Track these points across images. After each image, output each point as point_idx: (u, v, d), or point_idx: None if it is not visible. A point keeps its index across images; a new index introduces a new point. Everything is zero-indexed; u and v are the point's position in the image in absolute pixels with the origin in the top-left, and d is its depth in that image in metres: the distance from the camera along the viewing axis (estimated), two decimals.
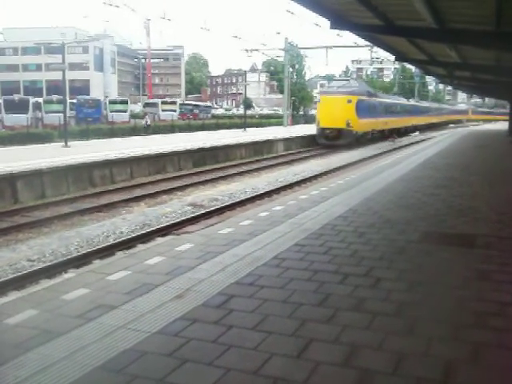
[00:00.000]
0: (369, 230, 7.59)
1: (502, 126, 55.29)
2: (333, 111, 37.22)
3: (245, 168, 24.30)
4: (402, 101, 57.64)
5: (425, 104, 73.92)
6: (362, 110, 38.21)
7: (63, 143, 25.54)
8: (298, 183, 18.90)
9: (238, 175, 22.12)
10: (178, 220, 12.69)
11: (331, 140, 36.59)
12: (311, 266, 5.82)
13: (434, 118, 75.36)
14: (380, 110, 43.77)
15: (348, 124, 36.54)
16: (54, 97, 50.06)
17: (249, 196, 16.19)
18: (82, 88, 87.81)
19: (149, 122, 49.03)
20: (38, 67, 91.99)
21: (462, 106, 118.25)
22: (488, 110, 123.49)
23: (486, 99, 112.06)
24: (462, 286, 5.23)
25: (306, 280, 5.36)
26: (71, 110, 47.66)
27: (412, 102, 64.09)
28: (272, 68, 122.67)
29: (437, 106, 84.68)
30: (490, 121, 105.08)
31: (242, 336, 4.05)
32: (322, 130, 37.50)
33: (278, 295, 4.92)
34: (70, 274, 8.20)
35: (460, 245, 6.86)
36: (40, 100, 50.74)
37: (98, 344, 3.89)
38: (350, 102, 37.13)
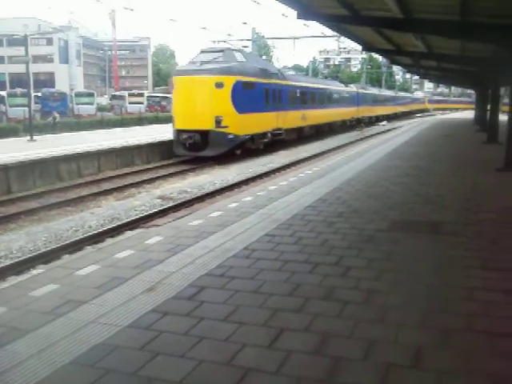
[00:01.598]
0: (338, 220, 7.65)
1: (470, 114, 56.07)
2: (192, 103, 23.30)
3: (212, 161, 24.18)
4: (332, 86, 42.98)
5: (369, 91, 57.38)
6: (248, 98, 24.21)
7: (29, 137, 25.10)
8: (267, 174, 18.91)
9: (207, 167, 22.04)
10: (147, 213, 12.61)
11: (192, 150, 22.96)
12: (281, 257, 5.85)
13: (383, 109, 61.29)
14: (289, 99, 30.18)
15: (218, 122, 22.68)
16: (18, 90, 48.95)
17: (218, 187, 16.15)
18: (47, 81, 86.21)
19: (57, 119, 40.72)
20: (1, 59, 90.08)
21: (419, 94, 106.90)
22: (442, 98, 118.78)
23: (453, 88, 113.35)
24: (431, 272, 5.32)
25: (277, 270, 5.39)
26: (36, 103, 46.81)
27: (353, 87, 50.14)
28: None
29: (388, 94, 70.11)
30: (445, 109, 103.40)
31: (214, 327, 4.06)
32: (177, 134, 23.31)
33: (249, 286, 4.93)
34: (39, 269, 8.08)
35: (428, 232, 6.96)
36: (3, 93, 49.66)
37: (68, 339, 3.85)
38: (219, 86, 22.76)
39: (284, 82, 29.56)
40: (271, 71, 28.65)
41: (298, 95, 32.59)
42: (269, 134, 26.73)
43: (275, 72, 29.43)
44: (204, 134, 22.51)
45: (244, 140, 24.26)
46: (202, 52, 25.40)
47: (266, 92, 26.59)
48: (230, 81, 23.09)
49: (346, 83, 50.92)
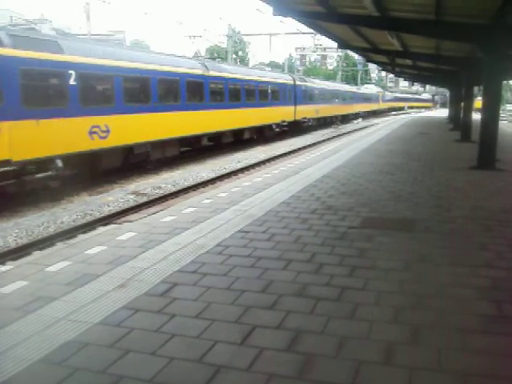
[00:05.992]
0: (311, 216, 7.66)
1: (444, 113, 56.63)
2: None
3: (187, 154, 24.07)
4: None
5: (221, 72, 24.06)
6: None
7: None
8: (242, 170, 18.89)
9: (182, 163, 21.91)
10: (120, 209, 12.50)
11: None
12: (254, 253, 5.83)
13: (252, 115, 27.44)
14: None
15: None
16: None
17: (192, 184, 16.08)
18: None
19: None
20: None
21: (371, 89, 76.20)
22: (404, 96, 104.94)
23: (427, 87, 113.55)
24: (403, 269, 5.34)
25: (250, 267, 5.37)
26: None
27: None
28: (215, 55, 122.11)
29: (276, 81, 32.20)
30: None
31: (186, 324, 4.03)
32: None
33: (222, 282, 4.91)
34: (8, 266, 7.94)
35: (400, 229, 7.00)
36: None
37: (38, 337, 3.79)
38: None
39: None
40: None
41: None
42: None
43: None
44: None
45: None
46: None
47: None
48: None
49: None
